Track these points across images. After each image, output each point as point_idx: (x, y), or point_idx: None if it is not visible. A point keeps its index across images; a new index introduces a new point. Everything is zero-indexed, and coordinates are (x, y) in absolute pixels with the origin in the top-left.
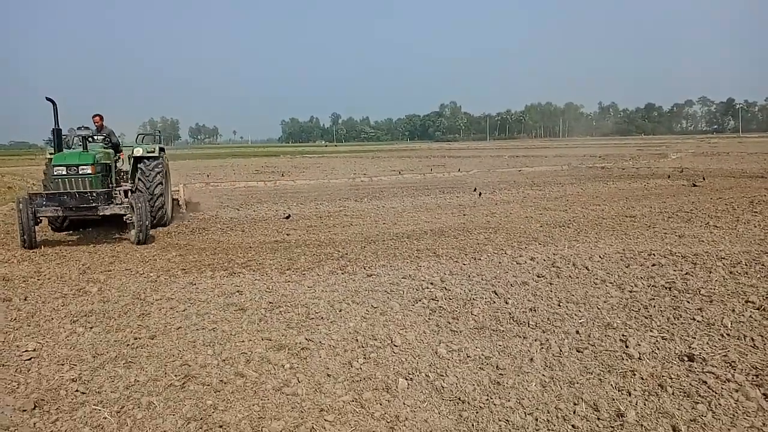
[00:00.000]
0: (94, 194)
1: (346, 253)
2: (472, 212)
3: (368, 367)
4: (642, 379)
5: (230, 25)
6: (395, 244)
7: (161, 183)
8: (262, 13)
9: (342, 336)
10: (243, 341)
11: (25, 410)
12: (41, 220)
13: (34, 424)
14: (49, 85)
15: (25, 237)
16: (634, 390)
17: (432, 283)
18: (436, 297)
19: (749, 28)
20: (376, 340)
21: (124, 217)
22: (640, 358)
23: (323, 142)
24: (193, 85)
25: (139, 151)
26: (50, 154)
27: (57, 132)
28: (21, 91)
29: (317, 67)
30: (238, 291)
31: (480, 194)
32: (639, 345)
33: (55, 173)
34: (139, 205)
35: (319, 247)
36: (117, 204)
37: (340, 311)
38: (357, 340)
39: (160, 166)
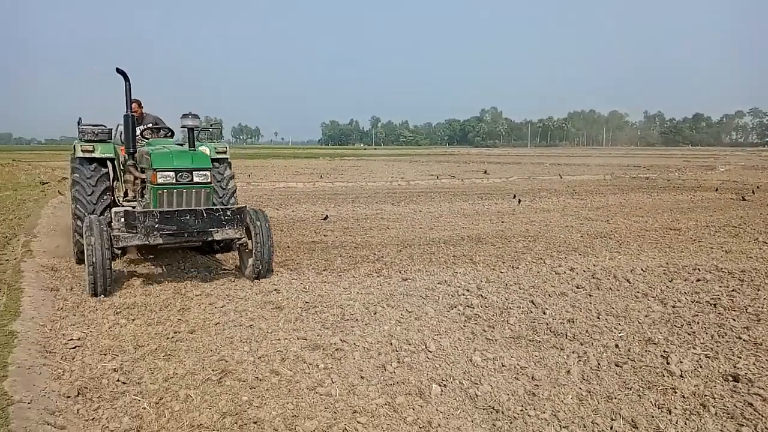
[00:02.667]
0: (228, 213)
1: (382, 256)
2: (510, 220)
3: (402, 372)
4: (683, 397)
5: (274, 28)
6: (431, 249)
7: (235, 193)
8: (307, 17)
9: (376, 339)
10: (279, 339)
11: (69, 396)
12: (119, 254)
13: (77, 410)
14: (88, 79)
15: (97, 280)
16: (675, 408)
17: (468, 290)
18: (471, 304)
19: None
20: (410, 344)
21: (238, 242)
22: (681, 376)
23: (362, 145)
24: (237, 86)
25: (206, 151)
26: (85, 151)
27: (130, 120)
28: (73, 86)
29: (359, 70)
30: (275, 289)
31: (519, 201)
32: (681, 362)
33: (159, 182)
34: (260, 226)
35: (355, 249)
36: (230, 225)
37: (375, 314)
38: (391, 343)
39: (230, 169)
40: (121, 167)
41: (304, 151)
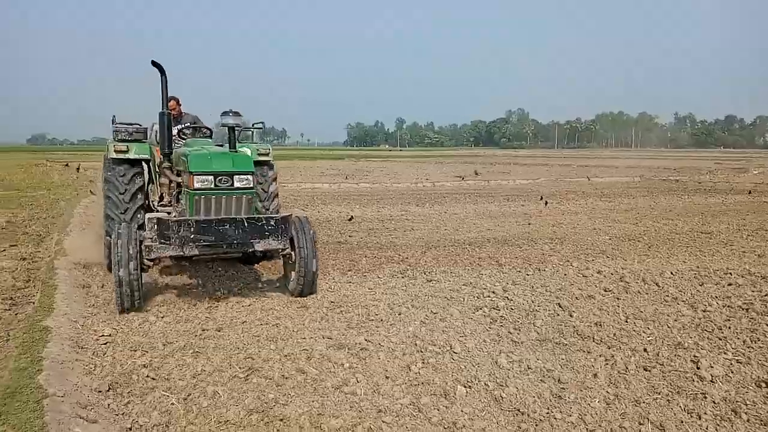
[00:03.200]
0: (272, 223)
1: (407, 257)
2: (537, 222)
3: (426, 372)
4: (714, 403)
5: (299, 29)
6: (456, 251)
7: (278, 197)
8: (332, 19)
9: (401, 339)
10: (304, 338)
11: (100, 391)
12: (151, 265)
13: (108, 405)
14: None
15: (124, 296)
16: (705, 414)
17: (494, 292)
18: (497, 306)
19: None
20: (435, 345)
21: (281, 253)
22: (712, 381)
23: (387, 147)
24: (263, 87)
25: (247, 153)
26: (118, 152)
27: (166, 118)
28: (105, 87)
29: (383, 72)
30: None
31: (546, 203)
32: (711, 367)
33: (196, 186)
34: (305, 237)
35: (380, 250)
36: (273, 235)
37: (399, 314)
38: (416, 344)
39: (272, 171)
40: (157, 169)
41: (330, 153)
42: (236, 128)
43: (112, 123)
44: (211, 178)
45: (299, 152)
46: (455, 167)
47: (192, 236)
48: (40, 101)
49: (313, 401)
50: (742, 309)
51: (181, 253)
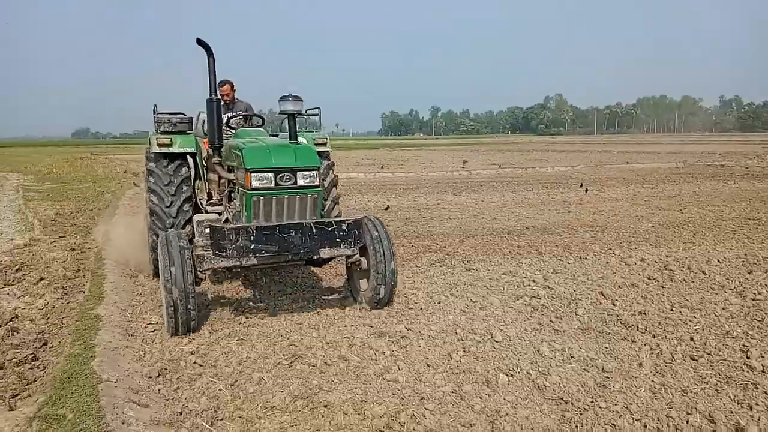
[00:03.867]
0: (344, 228)
1: (445, 246)
2: (577, 209)
3: (468, 360)
4: (766, 393)
5: (333, 17)
6: (495, 240)
7: (336, 186)
8: (366, 7)
9: (441, 327)
10: (345, 326)
11: (150, 377)
12: (204, 277)
13: (159, 390)
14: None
15: (178, 318)
16: (756, 404)
17: (534, 281)
18: (538, 295)
19: None
20: (475, 334)
21: (349, 260)
22: (763, 371)
23: (422, 135)
24: (299, 78)
25: (303, 143)
26: (161, 145)
27: (215, 106)
28: (146, 79)
29: (418, 59)
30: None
31: (586, 190)
32: (762, 357)
33: (254, 185)
34: (380, 240)
35: (417, 239)
36: (344, 242)
37: (439, 303)
38: (456, 332)
39: (330, 161)
40: (204, 164)
41: (365, 142)
42: (297, 115)
43: (154, 113)
44: (270, 175)
45: (335, 142)
46: (491, 155)
47: (252, 246)
48: (84, 97)
49: (356, 388)
50: None
51: (239, 263)
